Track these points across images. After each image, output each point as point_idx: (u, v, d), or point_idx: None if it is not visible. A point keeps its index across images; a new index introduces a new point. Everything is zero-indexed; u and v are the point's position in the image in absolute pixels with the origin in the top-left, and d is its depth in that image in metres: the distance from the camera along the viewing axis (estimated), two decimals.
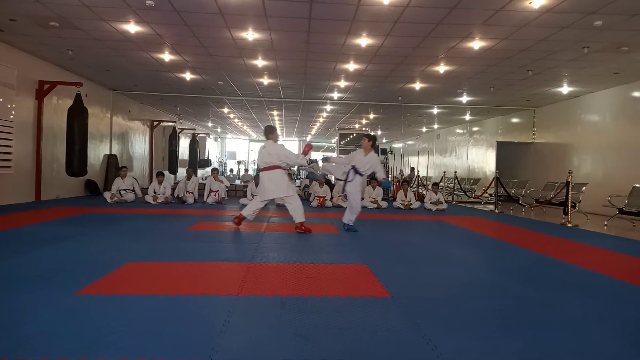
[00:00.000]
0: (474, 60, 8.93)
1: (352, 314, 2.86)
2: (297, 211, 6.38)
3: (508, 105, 14.25)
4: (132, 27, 7.52)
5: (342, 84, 11.68)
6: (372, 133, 22.77)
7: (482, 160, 17.28)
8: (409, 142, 25.70)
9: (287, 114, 18.23)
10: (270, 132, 6.53)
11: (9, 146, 8.17)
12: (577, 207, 9.27)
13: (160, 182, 10.62)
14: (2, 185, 8.61)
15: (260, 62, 9.72)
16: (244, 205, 10.50)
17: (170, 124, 18.24)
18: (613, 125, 10.90)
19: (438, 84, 11.39)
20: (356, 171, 6.60)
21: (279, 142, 6.59)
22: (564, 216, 8.57)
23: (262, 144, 6.54)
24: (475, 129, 18.19)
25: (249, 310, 2.91)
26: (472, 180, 16.24)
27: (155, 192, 10.51)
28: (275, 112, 18.03)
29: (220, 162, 27.10)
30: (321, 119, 19.44)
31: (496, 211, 11.06)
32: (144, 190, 11.05)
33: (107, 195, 10.27)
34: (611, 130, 10.94)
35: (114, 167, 13.05)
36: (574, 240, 6.56)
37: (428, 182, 15.23)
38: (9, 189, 8.84)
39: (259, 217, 8.38)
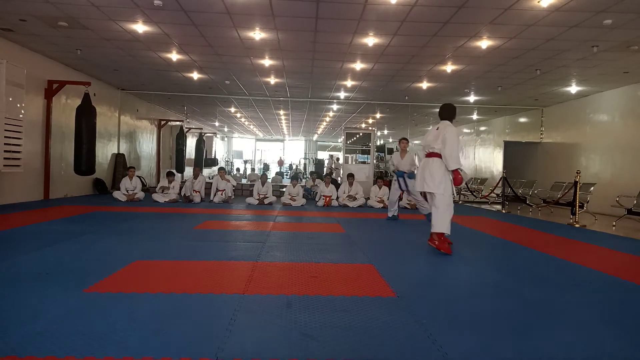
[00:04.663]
0: (482, 59, 8.89)
1: (358, 314, 2.86)
2: (438, 219, 4.93)
3: (516, 105, 14.16)
4: (140, 27, 7.56)
5: (349, 83, 11.67)
6: (378, 132, 22.81)
7: (489, 159, 17.19)
8: (416, 142, 25.58)
9: (294, 113, 18.25)
10: (446, 112, 5.20)
11: (19, 145, 8.24)
12: (585, 208, 9.19)
13: (169, 182, 10.75)
14: (12, 183, 8.70)
15: (267, 62, 9.74)
16: (250, 204, 10.58)
17: (178, 123, 18.33)
18: (622, 125, 10.79)
19: (445, 84, 11.34)
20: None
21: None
22: (571, 216, 8.50)
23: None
24: (482, 128, 18.09)
25: (255, 309, 2.92)
26: (479, 180, 16.15)
27: (163, 191, 10.69)
28: (281, 112, 18.07)
29: (227, 161, 27.18)
30: (327, 118, 19.44)
31: (503, 211, 10.99)
32: (152, 189, 11.12)
33: (117, 194, 10.35)
34: (620, 130, 10.83)
35: (121, 166, 13.15)
36: (582, 241, 6.50)
37: None
38: (18, 187, 8.93)
39: (265, 215, 8.41)
